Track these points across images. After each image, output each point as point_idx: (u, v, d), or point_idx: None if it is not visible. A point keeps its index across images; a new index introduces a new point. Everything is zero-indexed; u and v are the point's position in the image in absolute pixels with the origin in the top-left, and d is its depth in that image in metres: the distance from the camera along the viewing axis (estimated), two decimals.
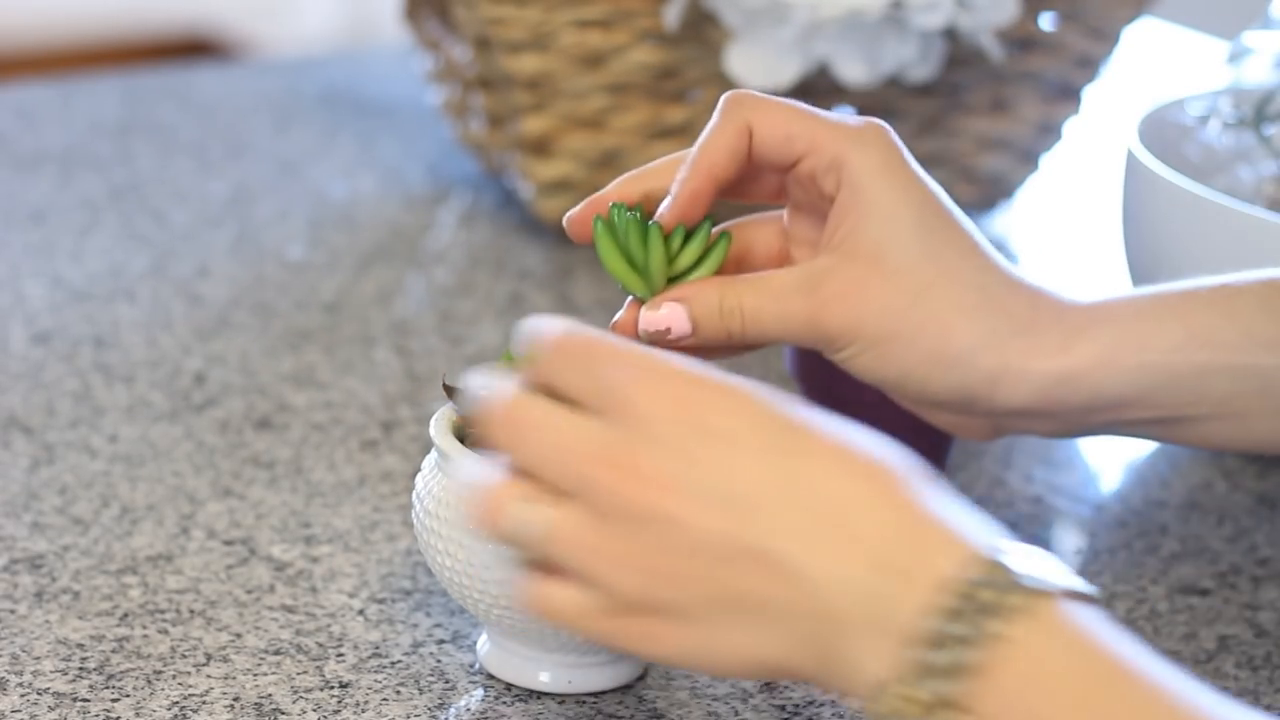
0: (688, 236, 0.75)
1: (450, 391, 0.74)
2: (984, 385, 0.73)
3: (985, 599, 0.57)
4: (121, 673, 0.75)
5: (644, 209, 0.75)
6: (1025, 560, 0.58)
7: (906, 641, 0.57)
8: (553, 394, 0.62)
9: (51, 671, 0.75)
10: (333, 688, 0.74)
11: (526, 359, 0.63)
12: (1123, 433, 0.76)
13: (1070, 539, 0.89)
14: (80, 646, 0.76)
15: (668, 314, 0.73)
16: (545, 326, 0.63)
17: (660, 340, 0.73)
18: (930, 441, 0.86)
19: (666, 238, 0.74)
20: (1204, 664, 0.78)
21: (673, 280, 0.74)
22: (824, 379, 0.85)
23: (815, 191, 0.75)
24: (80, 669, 0.75)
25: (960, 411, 0.75)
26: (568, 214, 0.76)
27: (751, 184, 0.78)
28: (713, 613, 0.60)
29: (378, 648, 0.77)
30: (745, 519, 0.59)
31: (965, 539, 0.58)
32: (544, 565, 0.62)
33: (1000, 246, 1.20)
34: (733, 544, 0.59)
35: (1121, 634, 0.58)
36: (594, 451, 0.61)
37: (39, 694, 0.73)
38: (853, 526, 0.59)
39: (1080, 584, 0.58)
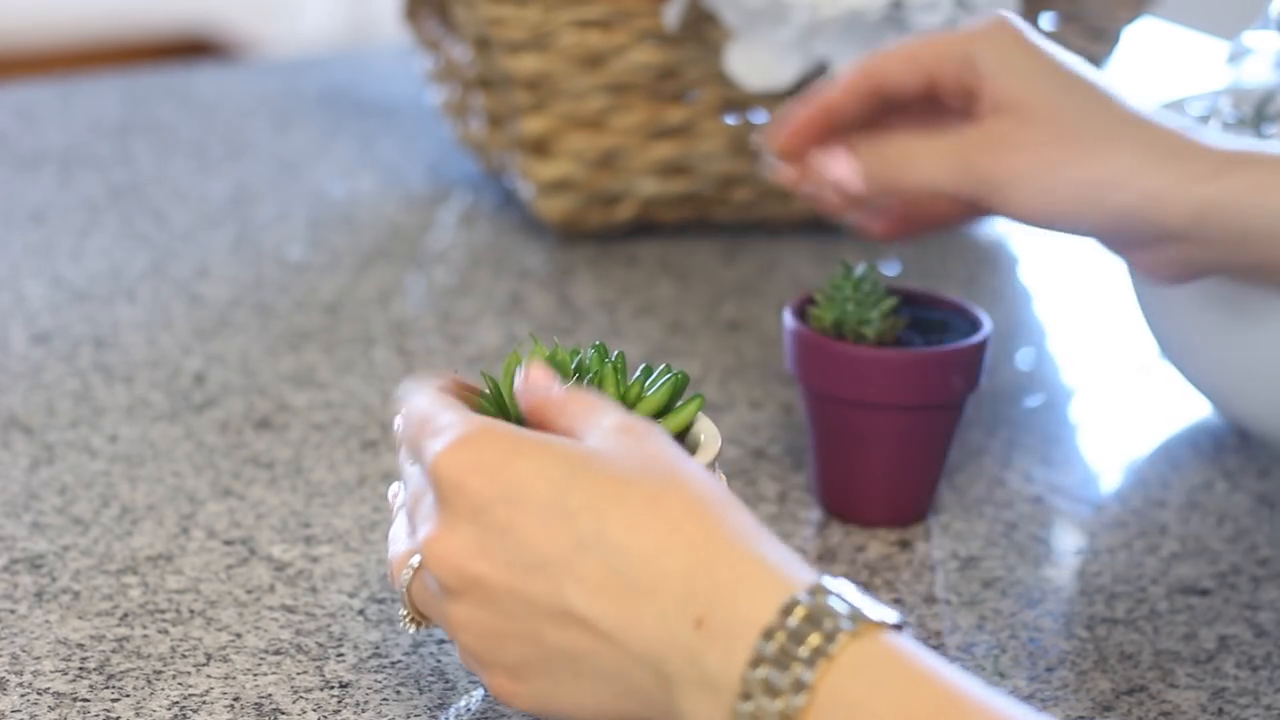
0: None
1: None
2: (1139, 208, 0.77)
3: (805, 640, 0.57)
4: (121, 673, 0.75)
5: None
6: (837, 595, 0.58)
7: (733, 694, 0.58)
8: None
9: (51, 671, 0.75)
10: (333, 688, 0.74)
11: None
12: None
13: (1070, 539, 0.89)
14: (80, 646, 0.76)
15: (839, 162, 0.81)
16: (406, 401, 0.70)
17: (837, 190, 0.81)
18: (926, 436, 0.86)
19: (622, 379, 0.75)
20: (1204, 664, 0.78)
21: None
22: (823, 380, 0.85)
23: (963, 95, 0.80)
24: (80, 669, 0.75)
25: (1132, 243, 0.79)
26: (770, 135, 0.84)
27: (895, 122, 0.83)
28: (548, 670, 0.63)
29: (378, 648, 0.77)
30: (554, 582, 0.62)
31: (779, 577, 0.59)
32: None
33: (1001, 246, 1.20)
34: (547, 607, 0.62)
35: (932, 656, 0.58)
36: (416, 524, 0.67)
37: (39, 694, 0.73)
38: (657, 582, 0.60)
39: (890, 614, 0.59)
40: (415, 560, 0.68)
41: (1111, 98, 0.79)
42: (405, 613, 0.70)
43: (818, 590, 0.58)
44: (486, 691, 0.74)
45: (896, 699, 0.57)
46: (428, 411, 0.67)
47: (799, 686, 0.57)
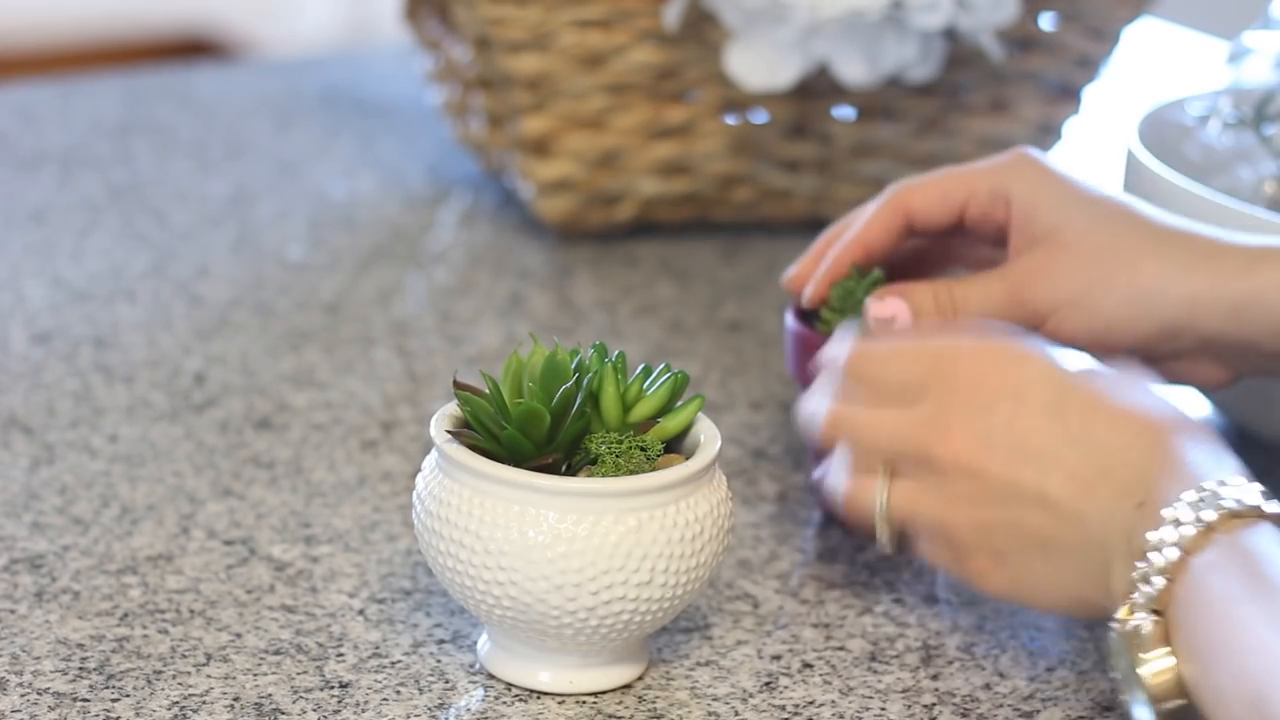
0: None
1: (459, 390, 0.74)
2: (1181, 314, 0.81)
3: (1179, 529, 0.68)
4: (121, 673, 0.75)
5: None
6: (1237, 487, 0.69)
7: (1135, 560, 0.69)
8: (871, 389, 0.77)
9: (51, 671, 0.75)
10: (333, 688, 0.74)
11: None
12: None
13: None
14: (80, 646, 0.76)
15: (892, 303, 0.83)
16: (842, 349, 0.79)
17: (886, 328, 0.83)
18: None
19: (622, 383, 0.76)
20: None
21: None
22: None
23: (991, 226, 0.85)
24: (80, 669, 0.75)
25: (1177, 353, 0.83)
26: (795, 278, 0.88)
27: (924, 259, 0.89)
28: (1025, 553, 0.74)
29: (378, 648, 0.77)
30: (1042, 472, 0.73)
31: (1193, 475, 0.70)
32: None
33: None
34: (1033, 494, 0.73)
35: None
36: (909, 430, 0.75)
37: (39, 694, 0.73)
38: (1117, 469, 0.72)
39: (1271, 506, 0.69)
40: (880, 489, 0.76)
41: (1138, 214, 0.82)
42: (883, 529, 0.76)
43: (1220, 485, 0.69)
44: (487, 691, 0.75)
45: (1251, 576, 0.66)
46: (923, 333, 0.78)
47: (1180, 557, 0.68)
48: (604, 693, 0.75)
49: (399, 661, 0.76)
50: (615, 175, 1.16)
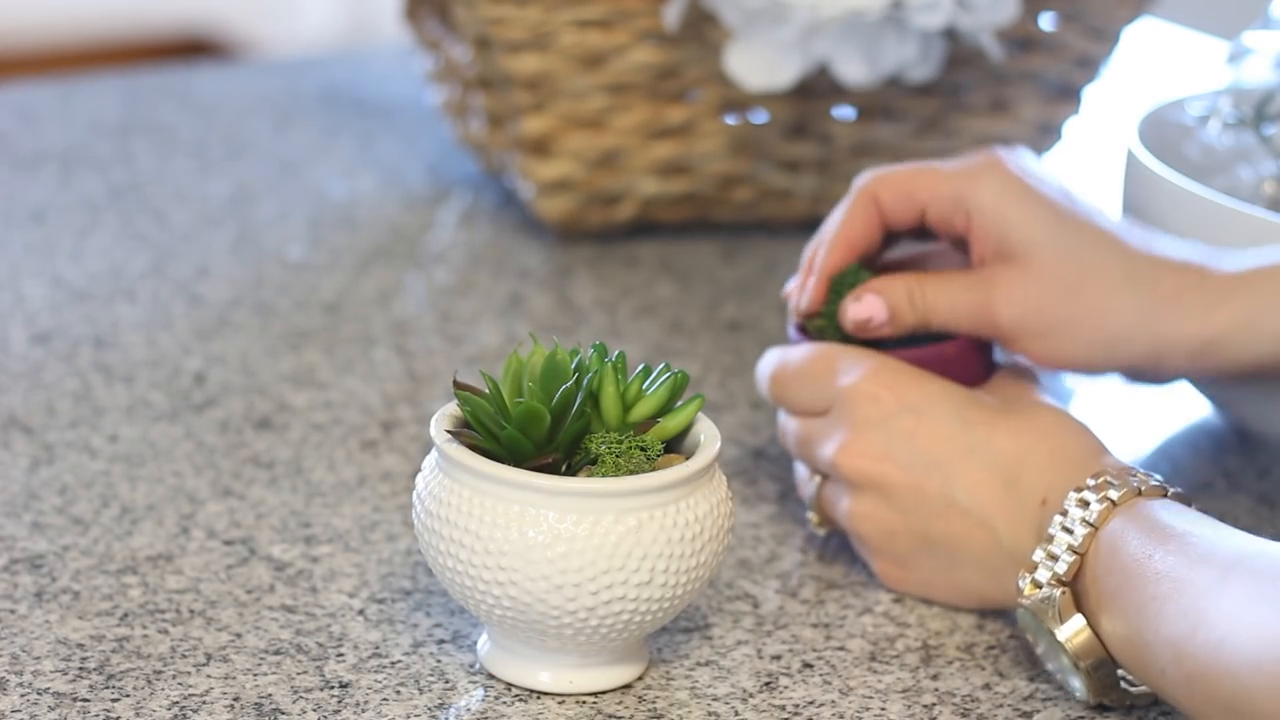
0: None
1: (459, 390, 0.74)
2: (1146, 359, 0.82)
3: (1087, 509, 0.73)
4: (121, 673, 0.75)
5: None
6: (1132, 475, 0.74)
7: (1045, 549, 0.74)
8: (792, 411, 0.83)
9: (51, 671, 0.75)
10: (333, 688, 0.74)
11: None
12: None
13: None
14: (80, 646, 0.76)
15: (869, 304, 0.83)
16: (769, 363, 0.84)
17: (863, 328, 0.83)
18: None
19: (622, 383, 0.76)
20: None
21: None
22: None
23: (951, 232, 0.84)
24: (80, 669, 0.75)
25: (1152, 379, 0.87)
26: (791, 294, 0.87)
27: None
28: (932, 558, 0.79)
29: (378, 648, 0.77)
30: (942, 479, 0.78)
31: (1095, 466, 0.75)
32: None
33: None
34: (937, 501, 0.78)
35: (1203, 518, 0.72)
36: (817, 443, 0.81)
37: (39, 694, 0.73)
38: (1018, 476, 0.77)
39: (1169, 488, 0.74)
40: (815, 481, 0.83)
41: (1106, 237, 0.82)
42: (814, 518, 0.84)
43: (1115, 471, 0.74)
44: (487, 691, 0.75)
45: (1166, 520, 0.71)
46: (828, 354, 0.82)
47: (1084, 534, 0.73)
48: (604, 693, 0.75)
49: (399, 661, 0.76)
50: (615, 175, 1.16)
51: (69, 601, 0.79)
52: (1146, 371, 0.83)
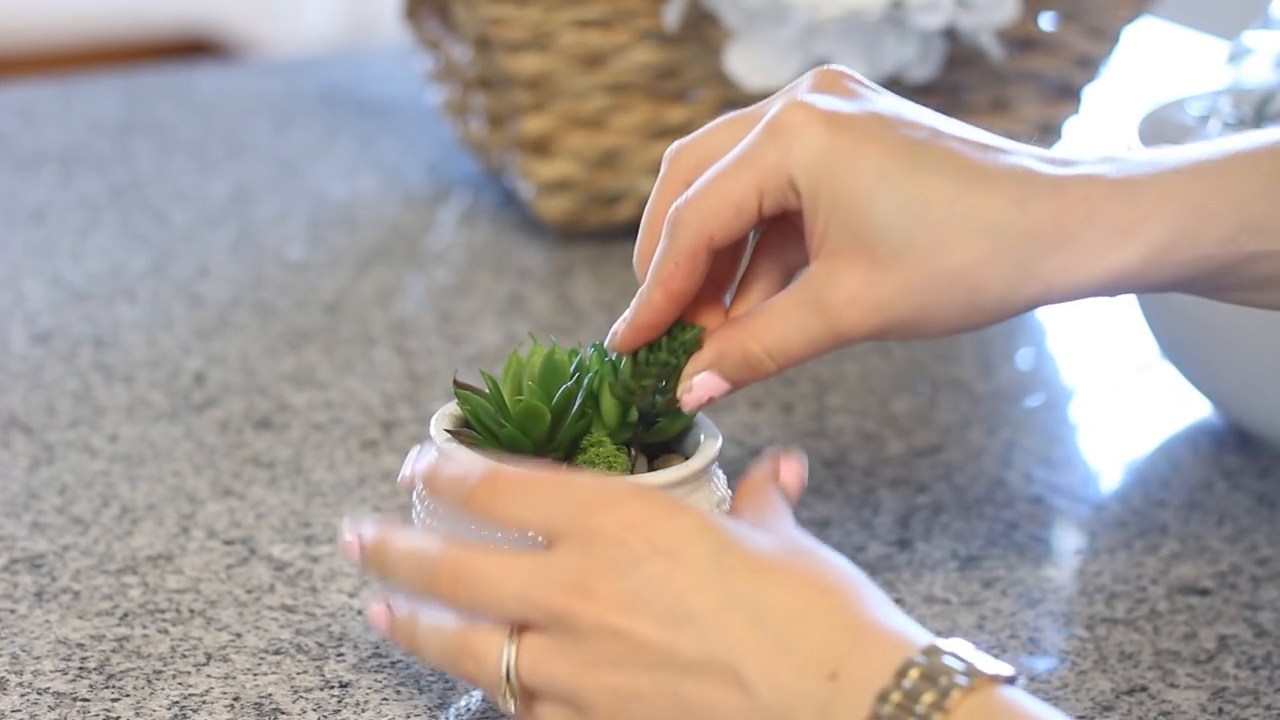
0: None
1: (459, 389, 0.74)
2: (1038, 305, 0.69)
3: (919, 699, 0.60)
4: (121, 673, 0.75)
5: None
6: (951, 654, 0.61)
7: None
8: (497, 523, 0.67)
9: (51, 671, 0.75)
10: (333, 688, 0.74)
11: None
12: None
13: (1070, 539, 0.89)
14: (80, 646, 0.76)
15: (703, 386, 0.72)
16: (459, 466, 0.68)
17: (707, 405, 0.73)
18: None
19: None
20: (1204, 664, 0.78)
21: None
22: None
23: (794, 217, 0.72)
24: (80, 669, 0.75)
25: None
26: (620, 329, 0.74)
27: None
28: None
29: (378, 648, 0.77)
30: (699, 634, 0.63)
31: (902, 640, 0.62)
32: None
33: None
34: (692, 659, 0.63)
35: (1046, 707, 0.61)
36: (546, 584, 0.65)
37: (39, 694, 0.73)
38: (797, 639, 0.63)
39: (1005, 668, 0.61)
40: (507, 648, 0.66)
41: (955, 192, 0.68)
42: (506, 691, 0.66)
43: (932, 651, 0.61)
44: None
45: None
46: (537, 473, 0.67)
47: None
48: None
49: (399, 661, 0.76)
50: (615, 175, 1.16)
51: (69, 601, 0.79)
52: (1042, 307, 0.70)
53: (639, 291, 0.72)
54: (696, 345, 0.72)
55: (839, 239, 0.69)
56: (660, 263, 0.71)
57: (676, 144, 0.73)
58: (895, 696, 0.61)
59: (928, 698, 0.60)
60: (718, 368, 0.72)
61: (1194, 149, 0.70)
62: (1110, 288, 0.69)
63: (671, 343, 0.73)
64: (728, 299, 0.75)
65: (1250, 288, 0.71)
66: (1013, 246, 0.68)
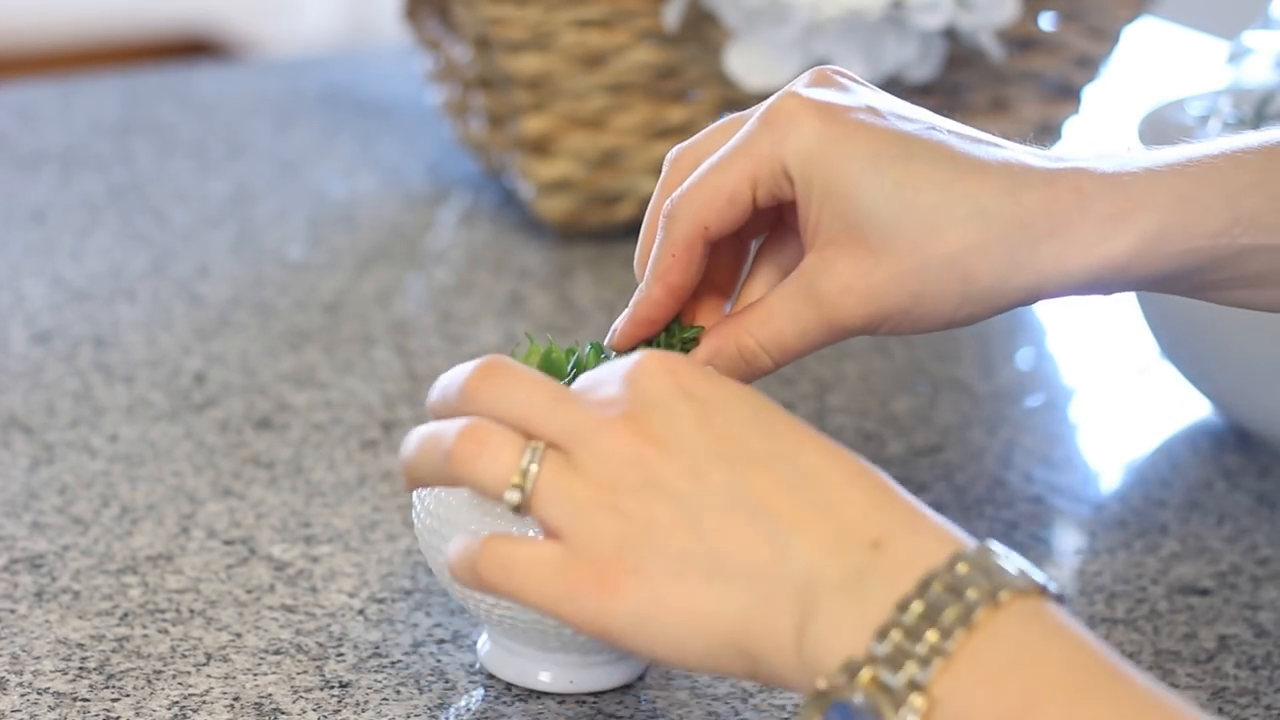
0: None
1: None
2: (1030, 297, 0.69)
3: (970, 590, 0.57)
4: (121, 673, 0.75)
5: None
6: (1005, 558, 0.58)
7: (883, 625, 0.57)
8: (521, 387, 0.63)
9: (51, 671, 0.75)
10: (333, 688, 0.74)
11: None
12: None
13: (1070, 539, 0.89)
14: (80, 646, 0.76)
15: None
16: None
17: None
18: None
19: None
20: (1204, 664, 0.78)
21: None
22: None
23: (789, 208, 0.72)
24: (80, 669, 0.75)
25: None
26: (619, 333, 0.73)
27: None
28: (676, 562, 0.60)
29: (378, 648, 0.77)
30: (732, 475, 0.60)
31: (950, 532, 0.59)
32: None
33: None
34: (727, 494, 0.60)
35: (1089, 632, 0.58)
36: (582, 402, 0.62)
37: (39, 694, 0.73)
38: (839, 505, 0.60)
39: (1054, 585, 0.59)
40: (529, 450, 0.62)
41: (946, 180, 0.68)
42: (514, 496, 0.61)
43: (983, 550, 0.58)
44: (487, 691, 0.75)
45: (1052, 657, 0.56)
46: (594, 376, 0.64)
47: (946, 635, 0.56)
48: (604, 693, 0.75)
49: (399, 661, 0.76)
50: (615, 175, 1.16)
51: (69, 601, 0.79)
52: (1036, 302, 0.71)
53: (638, 287, 0.72)
54: (694, 344, 0.72)
55: (832, 228, 0.69)
56: (658, 256, 0.71)
57: (677, 147, 0.74)
58: (941, 581, 0.57)
59: (974, 591, 0.57)
60: (714, 364, 0.71)
61: (1185, 147, 0.70)
62: (1103, 279, 0.69)
63: (670, 339, 0.73)
64: (729, 307, 0.75)
65: (1243, 284, 0.71)
66: (1004, 235, 0.68)
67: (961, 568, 0.58)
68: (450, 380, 0.65)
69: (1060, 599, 0.58)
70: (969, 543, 0.59)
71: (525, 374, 0.64)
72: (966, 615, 0.57)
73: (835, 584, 0.58)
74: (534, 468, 0.62)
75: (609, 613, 0.60)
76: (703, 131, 0.73)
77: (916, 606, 0.57)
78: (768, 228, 0.74)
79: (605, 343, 0.73)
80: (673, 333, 0.73)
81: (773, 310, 0.71)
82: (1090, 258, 0.68)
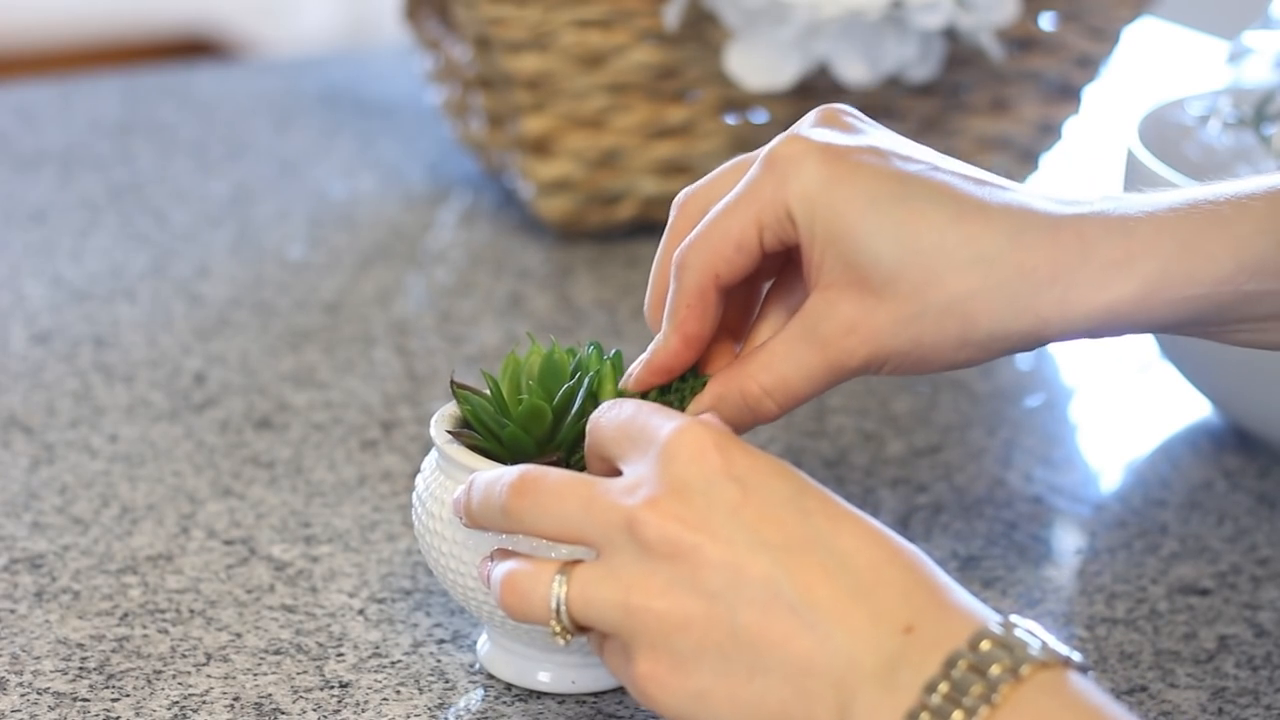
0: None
1: (458, 390, 0.74)
2: (1031, 342, 0.69)
3: (993, 667, 0.59)
4: (121, 673, 0.75)
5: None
6: (1026, 630, 0.60)
7: (912, 709, 0.59)
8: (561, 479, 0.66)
9: (51, 671, 0.75)
10: (333, 688, 0.74)
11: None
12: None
13: (1070, 539, 0.89)
14: (80, 646, 0.76)
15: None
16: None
17: None
18: None
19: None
20: (1204, 664, 0.78)
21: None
22: None
23: (785, 251, 0.72)
24: (80, 669, 0.75)
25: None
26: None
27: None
28: (724, 664, 0.61)
29: (378, 648, 0.77)
30: (771, 563, 0.61)
31: (977, 610, 0.61)
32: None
33: None
34: (759, 589, 0.61)
35: (1113, 701, 0.59)
36: (616, 492, 0.63)
37: (39, 694, 0.73)
38: (875, 588, 0.61)
39: (1077, 655, 0.60)
40: (557, 582, 0.65)
41: (947, 222, 0.68)
42: (555, 627, 0.65)
43: (1007, 625, 0.60)
44: (487, 691, 0.75)
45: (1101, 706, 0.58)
46: (636, 409, 0.66)
47: (971, 714, 0.58)
48: (604, 693, 0.75)
49: (399, 661, 0.76)
50: (615, 175, 1.16)
51: (69, 601, 0.79)
52: (1033, 348, 0.70)
53: (657, 336, 0.72)
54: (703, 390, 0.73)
55: (834, 269, 0.69)
56: (673, 307, 0.71)
57: (684, 191, 0.74)
58: (965, 661, 0.59)
59: (998, 668, 0.58)
60: (717, 410, 0.71)
61: (1189, 190, 0.70)
62: (1106, 324, 0.69)
63: (682, 386, 0.73)
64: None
65: (1249, 328, 0.70)
66: (1005, 281, 0.68)
67: (985, 645, 0.59)
68: (487, 493, 0.67)
69: (1084, 669, 0.59)
70: (993, 619, 0.60)
71: (555, 486, 0.65)
72: (989, 692, 0.58)
73: (870, 672, 0.60)
74: (560, 597, 0.64)
75: (660, 706, 0.62)
76: (710, 174, 0.73)
77: (943, 688, 0.58)
78: (778, 271, 0.74)
79: (620, 384, 0.73)
80: (685, 380, 0.73)
81: (776, 354, 0.71)
82: (1092, 304, 0.68)
